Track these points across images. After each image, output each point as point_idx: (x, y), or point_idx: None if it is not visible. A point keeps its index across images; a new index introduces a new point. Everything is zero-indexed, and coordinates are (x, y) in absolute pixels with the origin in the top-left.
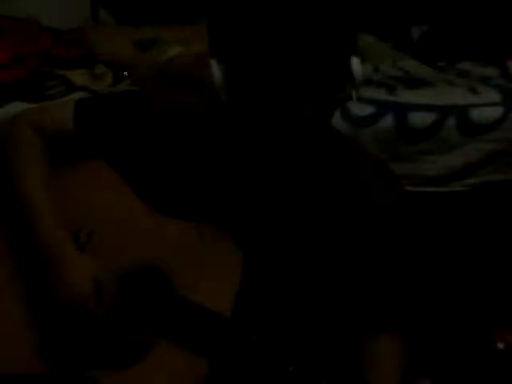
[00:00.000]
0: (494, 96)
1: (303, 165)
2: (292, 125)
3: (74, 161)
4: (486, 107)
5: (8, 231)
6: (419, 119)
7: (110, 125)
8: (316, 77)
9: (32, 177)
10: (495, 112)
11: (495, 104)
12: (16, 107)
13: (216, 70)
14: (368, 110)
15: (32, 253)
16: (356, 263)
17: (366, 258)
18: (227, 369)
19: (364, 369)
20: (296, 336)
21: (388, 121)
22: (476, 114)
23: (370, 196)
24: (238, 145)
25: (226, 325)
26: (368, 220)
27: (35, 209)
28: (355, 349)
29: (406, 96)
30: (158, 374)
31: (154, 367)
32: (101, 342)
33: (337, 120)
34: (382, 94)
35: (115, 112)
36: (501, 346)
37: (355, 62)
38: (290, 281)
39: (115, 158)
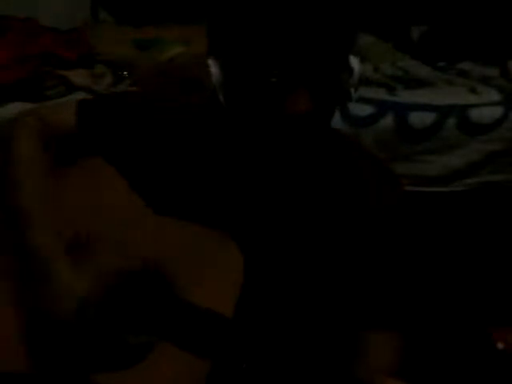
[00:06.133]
0: (494, 96)
1: (303, 164)
2: (291, 121)
3: (75, 160)
4: (486, 107)
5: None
6: (419, 119)
7: (112, 125)
8: (314, 70)
9: (29, 185)
10: (495, 112)
11: (495, 104)
12: (16, 107)
13: (214, 68)
14: (368, 110)
15: (24, 261)
16: (355, 263)
17: (365, 258)
18: (228, 370)
19: (355, 366)
20: (297, 337)
21: (388, 121)
22: (476, 114)
23: (369, 196)
24: (238, 145)
25: (227, 326)
26: (367, 219)
27: (29, 219)
28: (350, 347)
29: (406, 96)
30: (159, 376)
31: (154, 369)
32: (101, 344)
33: (337, 120)
34: (382, 94)
35: (117, 112)
36: (501, 346)
37: (354, 61)
38: (291, 281)
39: (117, 157)
